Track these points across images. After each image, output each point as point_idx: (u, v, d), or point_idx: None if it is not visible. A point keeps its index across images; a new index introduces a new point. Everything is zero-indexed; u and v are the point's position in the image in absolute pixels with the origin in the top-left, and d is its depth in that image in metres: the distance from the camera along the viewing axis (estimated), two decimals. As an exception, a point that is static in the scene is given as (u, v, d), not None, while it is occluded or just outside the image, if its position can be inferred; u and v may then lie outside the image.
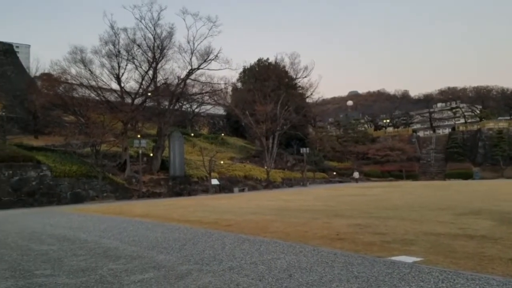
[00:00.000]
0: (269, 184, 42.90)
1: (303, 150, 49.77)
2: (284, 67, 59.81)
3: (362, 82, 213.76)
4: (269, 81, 52.38)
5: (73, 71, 35.79)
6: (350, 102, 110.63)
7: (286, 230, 9.31)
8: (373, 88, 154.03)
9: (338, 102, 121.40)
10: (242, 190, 38.87)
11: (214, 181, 37.49)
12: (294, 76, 59.06)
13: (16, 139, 31.78)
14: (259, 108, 46.13)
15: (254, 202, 20.34)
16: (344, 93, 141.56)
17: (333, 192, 29.48)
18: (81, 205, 24.44)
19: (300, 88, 60.96)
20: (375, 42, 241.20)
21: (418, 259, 5.98)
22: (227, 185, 39.14)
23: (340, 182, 55.88)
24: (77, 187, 28.54)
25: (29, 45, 77.41)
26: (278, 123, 48.12)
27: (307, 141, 61.72)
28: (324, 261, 5.94)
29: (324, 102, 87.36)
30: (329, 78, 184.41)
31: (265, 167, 44.88)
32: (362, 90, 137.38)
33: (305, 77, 57.91)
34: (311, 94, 60.47)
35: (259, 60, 64.51)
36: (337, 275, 5.16)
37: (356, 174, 57.08)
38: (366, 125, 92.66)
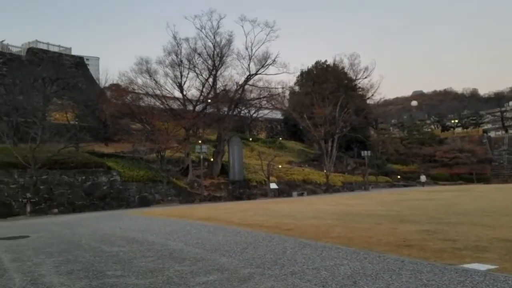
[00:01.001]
0: (329, 188, 42.19)
1: (364, 153, 48.41)
2: (343, 68, 58.70)
3: (427, 81, 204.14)
4: (327, 83, 51.61)
5: (139, 81, 37.91)
6: (414, 102, 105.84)
7: (349, 236, 9.06)
8: (439, 87, 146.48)
9: (401, 102, 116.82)
10: (301, 194, 38.58)
11: (273, 185, 37.58)
12: (354, 77, 57.73)
13: (88, 147, 33.98)
14: (317, 111, 45.59)
15: (313, 206, 20.07)
16: (407, 93, 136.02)
17: (398, 196, 28.31)
18: (147, 208, 25.56)
19: (360, 89, 59.46)
20: (440, 39, 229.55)
21: (493, 266, 5.56)
22: (286, 189, 39.06)
23: (404, 186, 53.64)
24: (144, 191, 29.92)
25: (98, 58, 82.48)
26: (337, 125, 47.24)
27: (368, 143, 59.96)
28: (391, 269, 5.69)
29: (386, 103, 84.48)
30: (391, 78, 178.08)
31: (324, 171, 44.21)
32: (427, 89, 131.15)
33: (366, 77, 56.40)
34: (372, 95, 58.78)
35: (317, 63, 63.85)
36: (405, 283, 4.92)
37: (422, 178, 54.37)
38: (432, 126, 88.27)
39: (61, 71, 39.57)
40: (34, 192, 23.78)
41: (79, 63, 48.14)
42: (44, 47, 45.12)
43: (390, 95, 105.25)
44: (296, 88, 61.75)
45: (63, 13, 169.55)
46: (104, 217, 18.25)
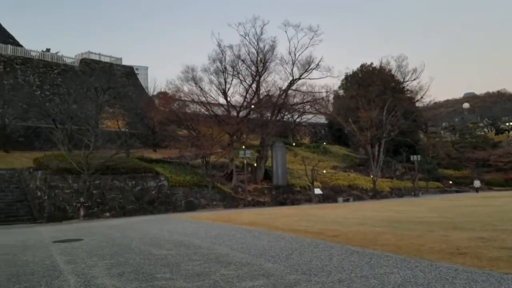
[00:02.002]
0: (376, 194, 41.08)
1: (414, 157, 46.77)
2: (390, 71, 57.17)
3: (480, 82, 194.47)
4: (373, 86, 50.45)
5: (185, 88, 38.92)
6: (466, 105, 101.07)
7: (399, 243, 8.74)
8: (493, 88, 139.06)
9: (452, 105, 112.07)
10: (347, 200, 37.83)
11: (317, 191, 37.13)
12: (402, 80, 56.06)
13: (138, 153, 35.23)
14: (363, 115, 44.63)
15: (360, 212, 19.59)
16: (459, 95, 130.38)
17: (450, 202, 27.06)
18: (193, 213, 26.02)
19: (408, 92, 57.67)
20: (493, 37, 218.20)
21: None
22: (331, 195, 38.45)
23: (457, 191, 51.22)
24: (190, 196, 30.53)
25: (147, 67, 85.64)
26: (384, 129, 46.00)
27: (417, 147, 57.87)
28: (444, 277, 5.42)
29: (436, 106, 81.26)
30: (441, 79, 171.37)
31: (371, 176, 43.12)
32: (479, 90, 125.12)
33: (414, 79, 54.53)
34: (421, 97, 56.69)
35: (362, 66, 62.66)
36: (460, 294, 4.66)
37: (476, 183, 51.62)
38: (485, 129, 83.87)
39: (112, 81, 41.42)
40: (87, 196, 24.91)
41: (129, 72, 50.17)
42: (96, 57, 47.43)
43: (441, 97, 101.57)
44: (341, 92, 60.89)
45: (114, 25, 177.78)
46: (152, 221, 18.77)
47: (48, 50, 46.96)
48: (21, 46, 44.90)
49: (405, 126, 49.36)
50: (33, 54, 43.47)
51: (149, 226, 15.89)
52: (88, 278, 6.28)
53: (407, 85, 56.73)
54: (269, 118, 40.64)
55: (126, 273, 6.56)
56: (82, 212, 24.20)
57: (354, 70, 62.74)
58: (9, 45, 41.61)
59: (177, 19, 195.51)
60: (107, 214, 25.85)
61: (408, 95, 57.43)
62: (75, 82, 39.05)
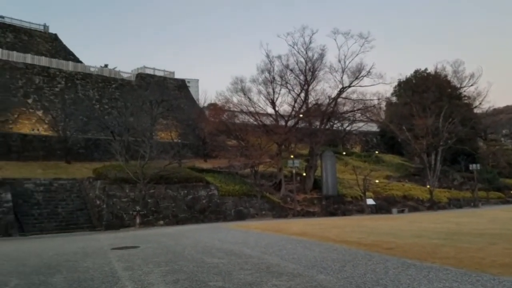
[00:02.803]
0: (433, 205, 39.26)
1: (473, 166, 44.37)
2: (445, 76, 54.87)
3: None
4: (428, 93, 48.52)
5: (234, 99, 39.64)
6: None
7: (458, 256, 8.28)
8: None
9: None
10: (402, 211, 36.47)
11: (370, 201, 36.11)
12: (458, 85, 53.67)
13: (189, 163, 36.14)
14: (418, 122, 43.02)
15: (416, 224, 18.78)
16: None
17: (514, 214, 25.28)
18: (243, 222, 26.18)
19: (465, 98, 54.99)
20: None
21: None
22: (384, 206, 37.25)
23: (521, 202, 47.81)
24: (239, 205, 30.80)
25: (198, 79, 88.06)
26: (441, 137, 44.03)
27: (477, 156, 54.72)
28: (512, 296, 5.06)
29: (496, 112, 76.48)
30: (500, 84, 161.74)
31: (428, 186, 41.30)
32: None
33: (471, 85, 52.06)
34: (480, 103, 53.94)
35: (416, 72, 60.58)
36: (531, 314, 4.32)
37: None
38: (552, 136, 77.85)
39: (166, 94, 42.94)
40: (142, 205, 25.86)
41: (181, 85, 51.81)
42: (151, 72, 49.44)
43: (500, 103, 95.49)
44: (394, 99, 59.15)
45: (166, 40, 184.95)
46: (204, 230, 19.09)
47: (106, 65, 49.58)
48: (81, 62, 47.77)
49: (463, 133, 46.96)
50: (92, 69, 46.09)
51: (200, 234, 16.16)
52: (145, 285, 6.48)
53: (464, 91, 54.29)
54: (318, 127, 40.28)
55: (181, 280, 6.71)
56: (138, 220, 25.12)
57: (408, 76, 60.85)
58: (70, 62, 44.41)
59: (226, 32, 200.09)
60: (161, 222, 26.66)
61: (466, 101, 54.76)
62: (131, 95, 40.91)
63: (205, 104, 50.40)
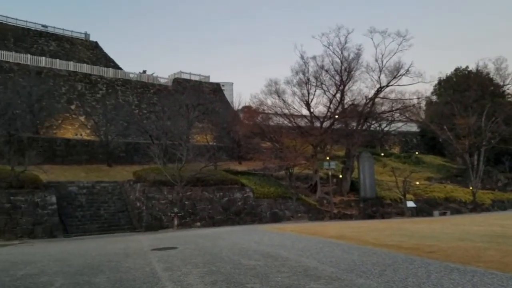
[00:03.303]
0: (476, 207, 37.70)
1: (518, 167, 42.21)
2: (487, 74, 52.57)
3: None
4: (469, 91, 46.68)
5: (268, 102, 39.71)
6: None
7: (504, 260, 7.90)
8: None
9: None
10: (443, 214, 35.25)
11: (410, 204, 35.13)
12: (501, 83, 51.31)
13: (224, 165, 36.51)
14: (460, 122, 41.47)
15: (459, 227, 18.07)
16: None
17: None
18: (278, 224, 26.12)
19: (509, 96, 52.52)
20: None
21: None
22: (425, 208, 36.13)
23: None
24: (274, 207, 30.76)
25: (232, 83, 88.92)
26: (483, 137, 42.23)
27: (523, 156, 52.05)
28: None
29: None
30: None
31: (470, 188, 39.69)
32: None
33: (516, 82, 49.55)
34: (525, 101, 51.21)
35: (457, 70, 58.51)
36: None
37: None
38: None
39: (201, 98, 43.64)
40: (180, 207, 26.34)
41: (216, 89, 52.50)
42: (187, 77, 50.42)
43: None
44: (434, 98, 57.37)
45: (202, 45, 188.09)
46: (239, 231, 19.18)
47: (144, 71, 51.00)
48: (120, 69, 49.40)
49: (507, 133, 44.75)
50: (131, 76, 47.55)
51: (237, 236, 16.26)
52: (184, 286, 6.59)
53: (508, 89, 51.85)
54: (354, 127, 39.67)
55: (219, 281, 6.77)
56: (176, 222, 25.62)
57: (448, 74, 58.84)
58: (110, 69, 46.02)
59: (261, 35, 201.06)
60: (198, 223, 27.06)
61: (509, 99, 52.28)
62: (168, 100, 41.86)
63: (240, 107, 50.79)
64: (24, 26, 48.14)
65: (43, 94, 35.63)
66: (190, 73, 51.10)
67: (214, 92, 51.42)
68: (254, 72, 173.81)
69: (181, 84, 48.55)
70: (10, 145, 26.36)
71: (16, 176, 22.20)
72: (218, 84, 54.22)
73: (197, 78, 51.24)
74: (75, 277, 7.84)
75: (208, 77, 52.81)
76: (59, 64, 41.24)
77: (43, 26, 50.00)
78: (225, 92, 58.05)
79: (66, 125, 38.39)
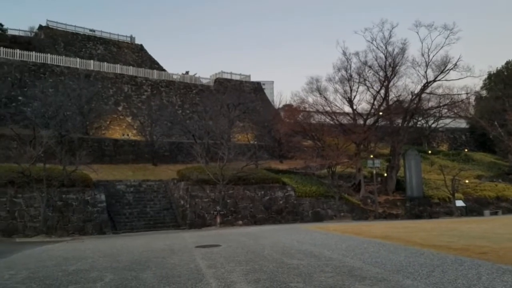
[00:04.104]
0: (532, 207, 35.55)
1: None
2: (541, 66, 49.56)
3: None
4: (522, 85, 44.22)
5: (310, 99, 39.44)
6: None
7: None
8: None
9: None
10: (495, 213, 33.58)
11: (459, 203, 33.73)
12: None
13: (265, 164, 36.61)
14: (511, 117, 39.31)
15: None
16: None
17: None
18: (321, 223, 25.86)
19: None
20: None
21: None
22: (475, 207, 34.57)
23: None
24: (316, 206, 30.48)
25: (273, 81, 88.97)
26: (538, 133, 39.81)
27: None
28: None
29: None
30: None
31: (525, 186, 37.53)
32: None
33: None
34: None
35: (508, 63, 55.48)
36: None
37: None
38: None
39: (242, 97, 44.00)
40: (222, 205, 26.71)
41: (257, 88, 52.72)
42: (228, 76, 50.98)
43: None
44: (483, 93, 54.68)
45: (242, 44, 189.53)
46: (281, 230, 19.16)
47: (187, 72, 52.07)
48: (164, 70, 50.72)
49: None
50: (174, 77, 48.70)
51: (278, 235, 16.25)
52: (228, 283, 6.66)
53: None
54: (400, 125, 38.62)
55: (262, 280, 6.79)
56: (218, 220, 26.01)
57: (499, 68, 55.89)
58: (155, 70, 47.36)
59: (301, 31, 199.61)
60: (240, 222, 27.31)
61: None
62: (210, 100, 42.52)
63: (280, 106, 50.75)
64: (73, 31, 50.51)
65: (92, 96, 37.22)
66: (231, 73, 51.63)
67: (255, 91, 51.64)
68: (294, 70, 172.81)
69: (222, 84, 49.14)
70: (62, 145, 27.70)
71: (68, 175, 23.32)
72: (258, 83, 54.41)
73: (238, 78, 51.67)
74: (124, 273, 8.13)
75: (249, 76, 53.12)
76: (106, 67, 42.96)
77: (90, 30, 52.24)
78: (265, 91, 58.14)
79: (114, 126, 39.95)
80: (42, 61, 39.17)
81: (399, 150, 37.18)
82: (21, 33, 48.61)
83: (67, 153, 25.87)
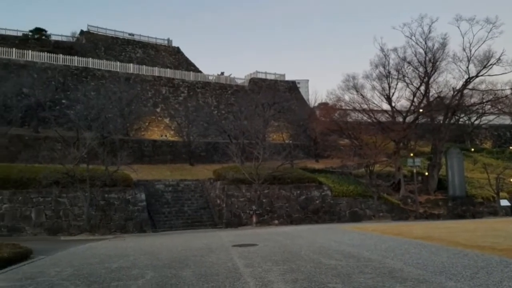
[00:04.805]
0: None
1: None
2: None
3: None
4: None
5: (346, 97, 39.00)
6: None
7: None
8: None
9: None
10: (545, 214, 31.84)
11: (504, 202, 32.35)
12: None
13: (301, 163, 36.39)
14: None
15: None
16: None
17: None
18: (359, 224, 25.42)
19: None
20: None
21: None
22: (523, 207, 32.90)
23: None
24: (354, 206, 29.99)
25: (308, 80, 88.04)
26: None
27: None
28: None
29: None
30: None
31: None
32: None
33: None
34: None
35: (557, 54, 52.39)
36: None
37: None
38: None
39: (277, 96, 43.93)
40: (258, 204, 26.79)
41: (292, 87, 52.50)
42: (263, 76, 51.07)
43: None
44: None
45: (277, 43, 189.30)
46: (318, 230, 19.00)
47: (222, 73, 52.64)
48: (200, 72, 51.50)
49: None
50: (210, 78, 49.35)
51: (315, 235, 16.12)
52: (265, 282, 6.67)
53: None
54: (441, 122, 37.52)
55: (299, 280, 6.75)
56: (254, 219, 26.11)
57: (547, 60, 52.77)
58: (191, 72, 48.17)
59: (336, 29, 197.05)
60: (276, 221, 27.30)
61: None
62: (245, 100, 42.78)
63: (316, 104, 50.28)
64: (113, 35, 52.23)
65: (132, 98, 38.33)
66: (265, 72, 51.69)
67: (290, 90, 51.43)
68: (330, 68, 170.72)
69: (257, 84, 49.28)
70: (104, 146, 28.65)
71: (110, 175, 24.14)
72: (293, 82, 54.16)
73: (272, 77, 51.65)
74: (164, 270, 8.33)
75: (284, 75, 52.98)
76: (145, 70, 44.11)
77: (130, 34, 53.83)
78: (300, 90, 57.82)
79: (153, 127, 40.98)
80: (84, 65, 40.76)
81: (441, 148, 36.14)
82: (64, 39, 50.71)
83: (109, 154, 26.75)
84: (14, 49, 38.32)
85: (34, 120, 33.25)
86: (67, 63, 39.96)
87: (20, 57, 37.96)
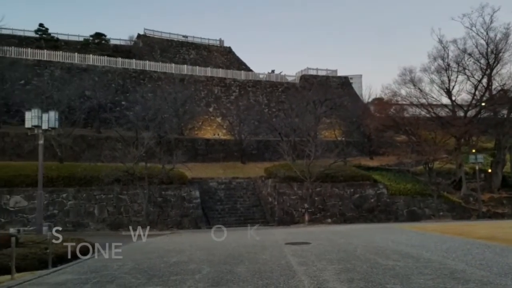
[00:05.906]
0: None
1: None
2: None
3: None
4: None
5: (402, 92, 37.71)
6: None
7: None
8: None
9: None
10: None
11: None
12: None
13: (355, 161, 35.57)
14: None
15: None
16: None
17: None
18: (417, 223, 24.52)
19: None
20: None
21: None
22: None
23: None
24: (412, 205, 28.92)
25: (361, 75, 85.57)
26: None
27: None
28: None
29: None
30: None
31: None
32: None
33: None
34: None
35: None
36: None
37: None
38: None
39: (329, 93, 43.21)
40: (310, 203, 26.57)
41: (344, 83, 51.45)
42: (314, 72, 50.48)
43: None
44: None
45: (329, 38, 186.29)
46: (374, 230, 18.55)
47: (272, 71, 52.63)
48: (251, 71, 51.86)
49: None
50: (261, 76, 49.56)
51: (371, 234, 15.75)
52: (320, 281, 6.62)
53: None
54: (505, 116, 35.26)
55: (355, 280, 6.63)
56: (306, 217, 25.93)
57: None
58: (242, 72, 48.66)
59: (390, 23, 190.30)
60: (329, 220, 26.96)
61: None
62: (296, 97, 42.49)
63: (370, 100, 48.89)
64: (168, 38, 53.90)
65: (186, 99, 39.39)
66: (317, 69, 51.05)
67: (342, 86, 50.41)
68: (384, 62, 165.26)
69: (308, 81, 48.81)
70: (161, 146, 29.71)
71: (166, 173, 25.01)
72: (346, 78, 53.02)
73: (324, 73, 50.91)
74: (219, 266, 8.51)
75: (336, 71, 52.02)
76: (198, 70, 45.17)
77: (183, 36, 55.30)
78: (353, 85, 56.45)
79: (206, 126, 41.93)
80: (142, 68, 42.48)
81: (505, 143, 34.09)
82: (122, 42, 53.01)
83: (165, 153, 27.74)
84: (76, 53, 40.67)
85: (96, 121, 35.12)
86: (126, 66, 41.83)
87: (82, 61, 40.19)
